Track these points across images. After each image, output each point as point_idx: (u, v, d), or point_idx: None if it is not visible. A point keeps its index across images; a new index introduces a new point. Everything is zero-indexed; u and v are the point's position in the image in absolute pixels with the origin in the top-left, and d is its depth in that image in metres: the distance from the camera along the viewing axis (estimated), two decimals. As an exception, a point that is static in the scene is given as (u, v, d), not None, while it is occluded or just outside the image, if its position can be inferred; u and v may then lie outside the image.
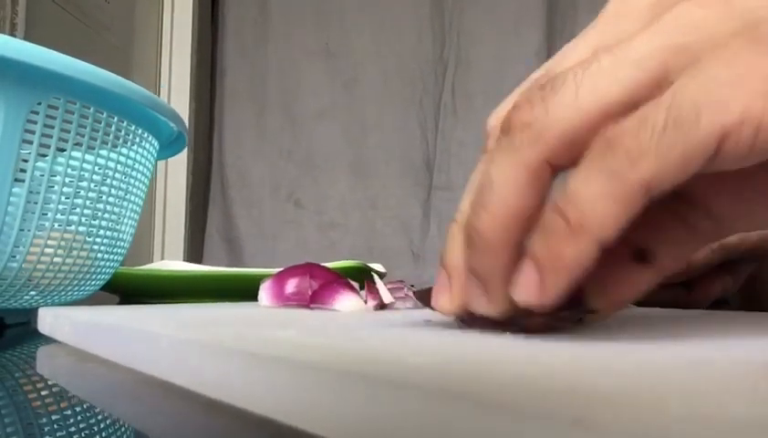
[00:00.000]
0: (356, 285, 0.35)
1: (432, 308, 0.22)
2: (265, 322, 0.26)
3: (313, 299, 0.34)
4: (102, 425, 0.18)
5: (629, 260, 0.21)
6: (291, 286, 0.35)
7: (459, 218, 0.21)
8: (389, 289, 0.36)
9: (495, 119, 0.22)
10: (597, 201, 0.17)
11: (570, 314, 0.20)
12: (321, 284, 0.35)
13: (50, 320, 0.30)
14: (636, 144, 0.17)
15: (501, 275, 0.19)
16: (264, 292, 0.36)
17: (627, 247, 0.21)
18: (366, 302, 0.34)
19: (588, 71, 0.18)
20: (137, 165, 0.43)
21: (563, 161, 0.18)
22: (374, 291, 0.35)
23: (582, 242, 0.17)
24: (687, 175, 0.17)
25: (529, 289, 0.18)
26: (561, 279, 0.17)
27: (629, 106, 0.17)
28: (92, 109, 0.37)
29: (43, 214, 0.36)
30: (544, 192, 0.18)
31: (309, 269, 0.36)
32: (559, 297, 0.18)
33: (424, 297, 0.24)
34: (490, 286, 0.19)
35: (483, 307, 0.19)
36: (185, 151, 0.56)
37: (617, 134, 0.17)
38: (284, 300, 0.35)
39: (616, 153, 0.17)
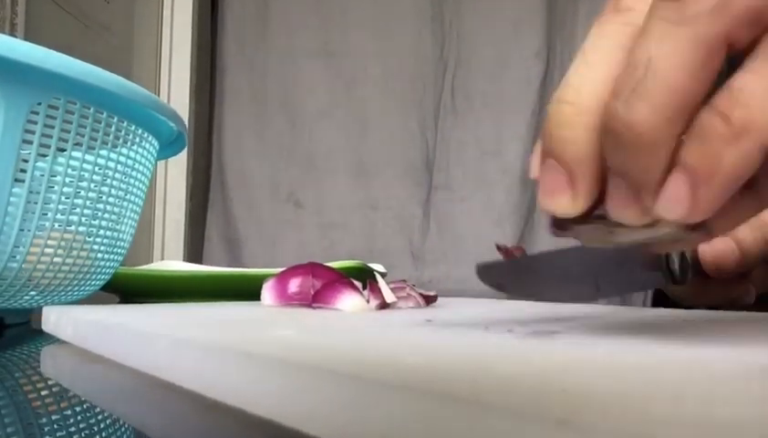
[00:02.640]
0: (358, 284, 0.35)
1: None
2: (267, 322, 0.26)
3: (315, 299, 0.34)
4: (102, 425, 0.18)
5: None
6: (294, 285, 0.35)
7: (573, 98, 0.17)
8: (391, 289, 0.36)
9: None
10: None
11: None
12: (324, 283, 0.35)
13: (54, 319, 0.30)
14: None
15: (659, 178, 0.16)
16: (267, 291, 0.36)
17: None
18: (368, 301, 0.34)
19: None
20: (137, 165, 0.43)
21: (742, 41, 0.15)
22: (377, 291, 0.35)
23: (745, 146, 0.14)
24: None
25: (679, 204, 0.15)
26: (717, 191, 0.15)
27: None
28: (92, 110, 0.36)
29: (43, 214, 0.36)
30: (713, 80, 0.15)
31: (312, 269, 0.36)
32: (713, 213, 0.15)
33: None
34: (645, 192, 0.16)
35: (634, 216, 0.16)
36: (185, 151, 0.56)
37: None
38: (286, 300, 0.35)
39: None
